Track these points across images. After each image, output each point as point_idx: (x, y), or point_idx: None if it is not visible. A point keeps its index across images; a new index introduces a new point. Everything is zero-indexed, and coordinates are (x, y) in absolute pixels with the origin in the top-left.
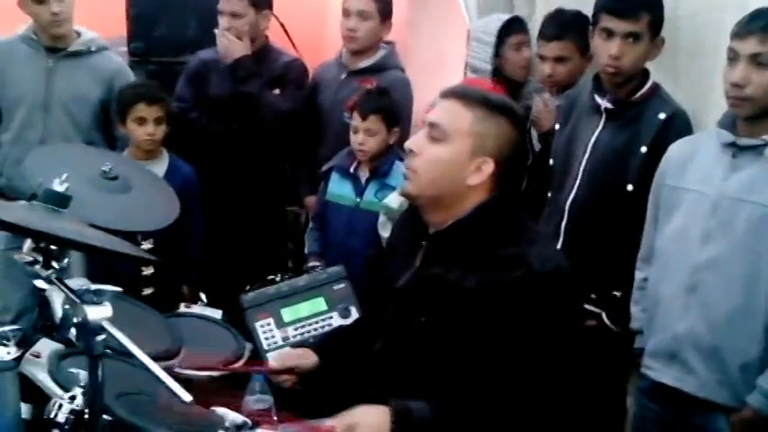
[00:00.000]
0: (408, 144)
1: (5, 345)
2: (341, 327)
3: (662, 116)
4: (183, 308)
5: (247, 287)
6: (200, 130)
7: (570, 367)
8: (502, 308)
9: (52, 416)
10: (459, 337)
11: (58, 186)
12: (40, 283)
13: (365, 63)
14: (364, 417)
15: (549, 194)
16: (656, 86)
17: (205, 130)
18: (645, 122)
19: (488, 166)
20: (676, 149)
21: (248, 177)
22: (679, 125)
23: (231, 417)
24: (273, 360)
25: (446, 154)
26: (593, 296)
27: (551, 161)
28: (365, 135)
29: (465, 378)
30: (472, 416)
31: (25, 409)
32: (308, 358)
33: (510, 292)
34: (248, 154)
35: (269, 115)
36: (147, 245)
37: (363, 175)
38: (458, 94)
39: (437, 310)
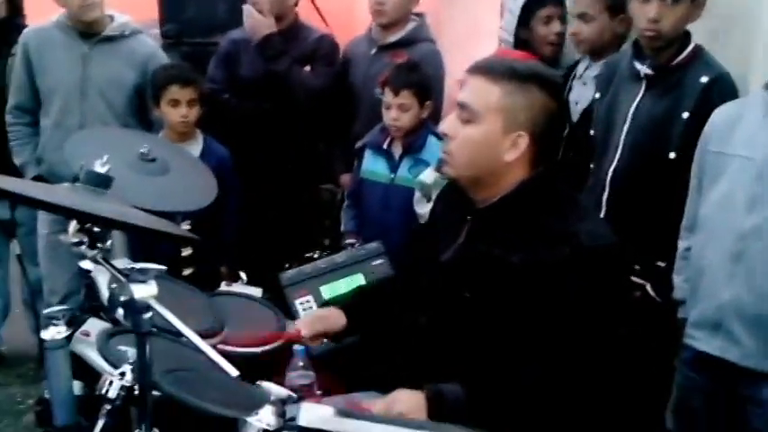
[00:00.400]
0: (442, 128)
1: (56, 324)
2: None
3: (704, 80)
4: (223, 286)
5: (286, 265)
6: (232, 110)
7: (616, 345)
8: (549, 284)
9: (104, 392)
10: (505, 313)
11: (100, 168)
12: (85, 264)
13: (395, 37)
14: (402, 395)
15: (592, 166)
16: (698, 49)
17: (237, 110)
18: (687, 87)
19: (523, 141)
20: (721, 114)
21: (281, 156)
22: (723, 89)
23: (276, 390)
24: (303, 326)
25: (478, 134)
26: (637, 267)
27: (592, 131)
28: (398, 111)
29: (509, 353)
30: (513, 395)
31: (77, 387)
32: (336, 320)
33: (558, 268)
34: (281, 133)
35: (299, 93)
36: (185, 226)
37: (397, 151)
38: (483, 70)
39: (482, 285)
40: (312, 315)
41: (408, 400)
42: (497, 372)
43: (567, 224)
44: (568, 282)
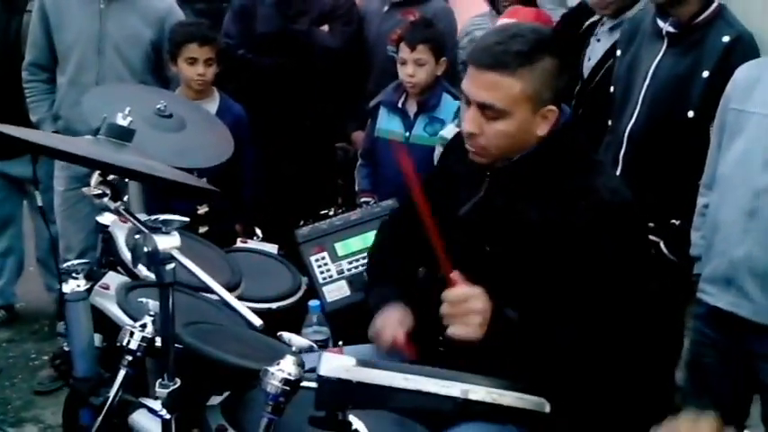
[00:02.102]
0: (467, 128)
1: (75, 278)
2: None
3: (726, 39)
4: (239, 243)
5: (301, 222)
6: (250, 67)
7: (648, 302)
8: (572, 241)
9: (125, 343)
10: (527, 268)
11: (122, 120)
12: (103, 219)
13: None
14: (482, 294)
15: (609, 123)
16: (720, 8)
17: (253, 66)
18: (708, 46)
19: (553, 113)
20: (743, 72)
21: (297, 113)
22: (744, 48)
23: (297, 341)
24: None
25: (510, 127)
26: (651, 225)
27: (612, 88)
28: (414, 66)
29: (536, 311)
30: (547, 356)
31: (96, 339)
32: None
33: (578, 224)
34: (296, 90)
35: (319, 54)
36: None
37: (411, 109)
38: (493, 64)
39: (503, 240)
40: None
41: (485, 303)
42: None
43: (586, 180)
44: (592, 238)
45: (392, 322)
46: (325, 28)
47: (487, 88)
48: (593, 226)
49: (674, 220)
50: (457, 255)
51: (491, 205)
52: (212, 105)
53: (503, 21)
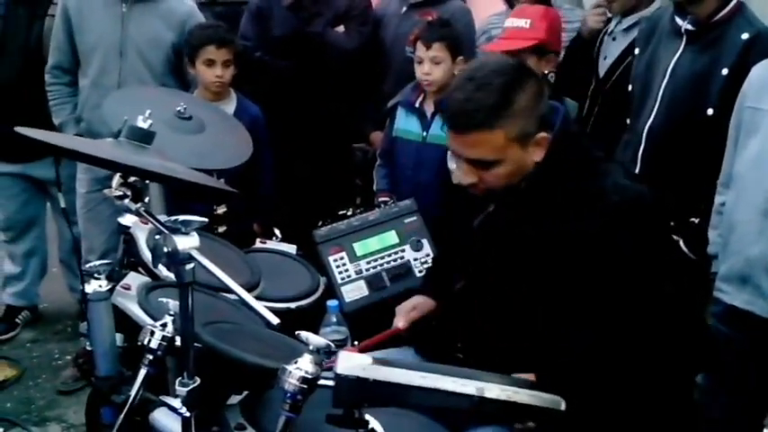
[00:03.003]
0: (464, 181)
1: (97, 279)
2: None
3: (745, 36)
4: (258, 243)
5: (320, 222)
6: (264, 68)
7: (663, 305)
8: (588, 249)
9: (145, 342)
10: (545, 280)
11: (142, 123)
12: (125, 220)
13: None
14: None
15: (628, 121)
16: (740, 5)
17: (270, 68)
18: (727, 44)
19: (544, 138)
20: (758, 70)
21: (313, 114)
22: (763, 46)
23: (315, 340)
24: (399, 321)
25: (506, 169)
26: (671, 223)
27: (630, 87)
28: (431, 64)
29: (553, 320)
30: (564, 363)
31: (118, 338)
32: (425, 303)
33: (591, 229)
34: (313, 91)
35: (334, 55)
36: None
37: (429, 109)
38: (473, 126)
39: (518, 255)
40: (403, 308)
41: None
42: (541, 338)
43: (593, 184)
44: (608, 241)
45: (406, 307)
46: (341, 29)
47: (473, 146)
48: (607, 228)
49: (693, 219)
50: (474, 265)
51: (502, 221)
52: (230, 106)
53: (510, 20)
